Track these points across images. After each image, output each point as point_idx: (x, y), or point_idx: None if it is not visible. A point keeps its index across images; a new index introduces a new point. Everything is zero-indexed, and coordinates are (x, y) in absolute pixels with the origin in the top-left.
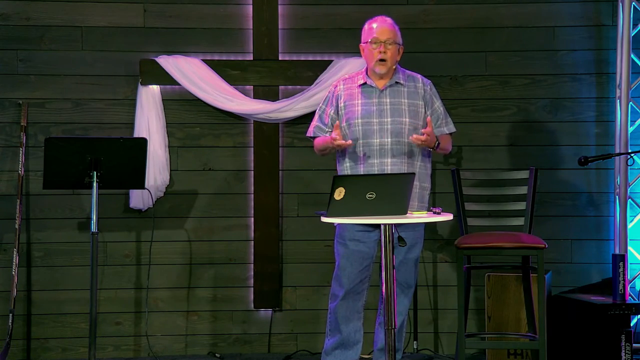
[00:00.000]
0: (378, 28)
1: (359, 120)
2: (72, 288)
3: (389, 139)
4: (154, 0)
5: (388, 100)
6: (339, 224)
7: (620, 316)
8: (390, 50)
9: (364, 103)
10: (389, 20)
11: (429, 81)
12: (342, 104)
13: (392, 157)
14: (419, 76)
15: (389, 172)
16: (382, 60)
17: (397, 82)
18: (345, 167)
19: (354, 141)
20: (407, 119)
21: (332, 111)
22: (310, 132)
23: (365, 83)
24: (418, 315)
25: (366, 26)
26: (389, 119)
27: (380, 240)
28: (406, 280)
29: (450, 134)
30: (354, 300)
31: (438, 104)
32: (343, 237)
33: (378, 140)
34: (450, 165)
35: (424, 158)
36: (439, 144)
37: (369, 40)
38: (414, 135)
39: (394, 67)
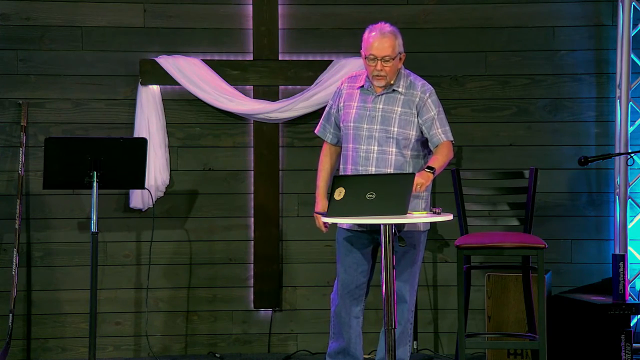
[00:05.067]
0: (375, 43)
1: (351, 124)
2: (72, 288)
3: (375, 147)
4: (154, 0)
5: (381, 106)
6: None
7: (620, 316)
8: (387, 66)
9: (359, 107)
10: (387, 30)
11: (430, 89)
12: (341, 104)
13: (375, 166)
14: (420, 83)
15: None
16: (378, 76)
17: (394, 90)
18: (341, 169)
19: (345, 145)
20: (396, 129)
21: (335, 109)
22: (317, 130)
23: (363, 86)
24: (418, 315)
25: (366, 34)
26: (377, 127)
27: (380, 241)
28: (398, 290)
29: (451, 141)
30: (350, 305)
31: (434, 112)
32: (337, 240)
33: (365, 147)
34: (451, 165)
35: (416, 169)
36: (434, 171)
37: (366, 56)
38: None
39: (394, 77)
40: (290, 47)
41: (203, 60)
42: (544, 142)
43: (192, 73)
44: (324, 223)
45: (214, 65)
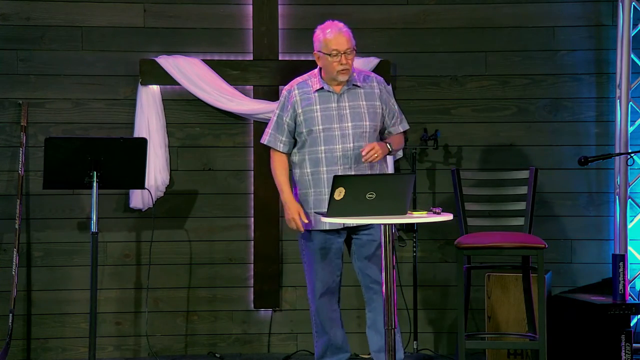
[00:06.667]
0: (335, 39)
1: (320, 127)
2: (72, 288)
3: (352, 144)
4: (154, 0)
5: (347, 104)
6: (305, 231)
7: (620, 316)
8: (350, 58)
9: (322, 109)
10: (341, 26)
11: (382, 79)
12: (299, 111)
13: (355, 162)
14: (372, 75)
15: None
16: (343, 70)
17: (354, 85)
18: (307, 173)
19: (313, 148)
20: (367, 122)
21: (288, 117)
22: (264, 140)
23: (322, 88)
24: (418, 315)
25: (320, 35)
26: (349, 124)
27: (381, 241)
28: (377, 278)
29: (405, 131)
30: (330, 301)
31: (393, 101)
32: (313, 243)
33: (340, 147)
34: (450, 165)
35: (383, 162)
36: (391, 148)
37: (328, 53)
38: (364, 157)
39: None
40: (290, 47)
41: (203, 60)
42: (544, 142)
43: (192, 73)
44: (302, 223)
45: (214, 65)
